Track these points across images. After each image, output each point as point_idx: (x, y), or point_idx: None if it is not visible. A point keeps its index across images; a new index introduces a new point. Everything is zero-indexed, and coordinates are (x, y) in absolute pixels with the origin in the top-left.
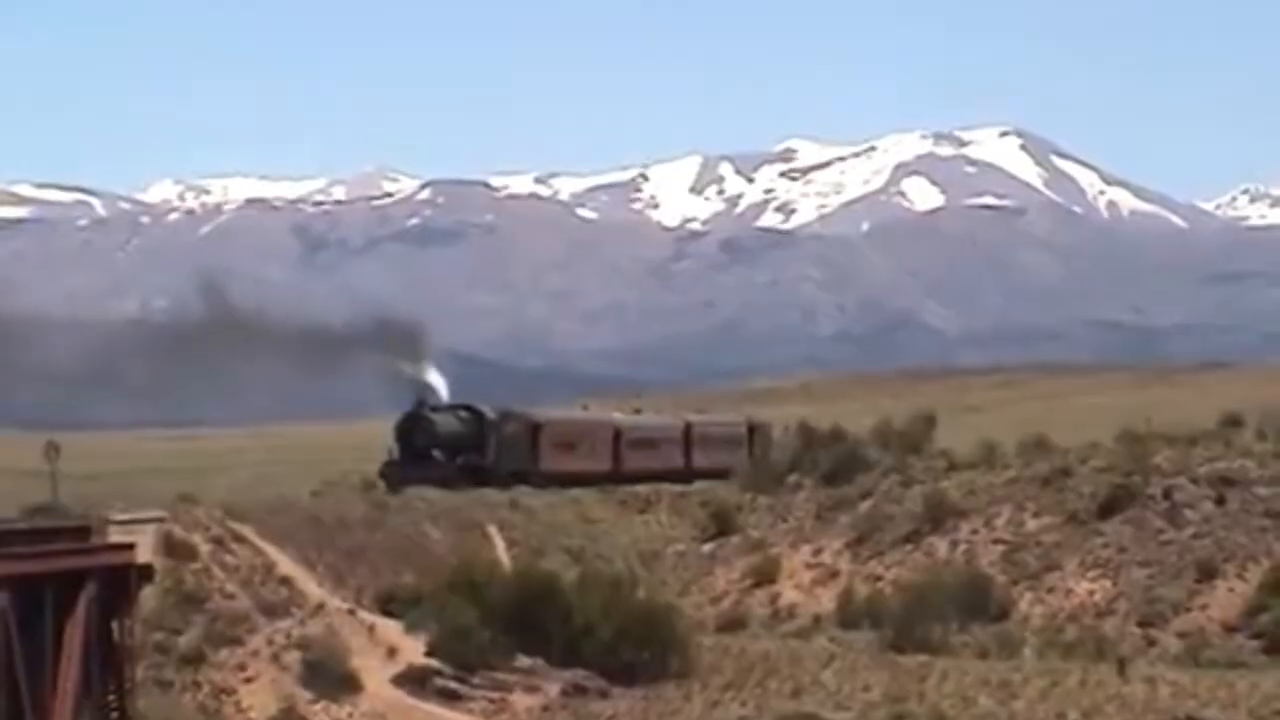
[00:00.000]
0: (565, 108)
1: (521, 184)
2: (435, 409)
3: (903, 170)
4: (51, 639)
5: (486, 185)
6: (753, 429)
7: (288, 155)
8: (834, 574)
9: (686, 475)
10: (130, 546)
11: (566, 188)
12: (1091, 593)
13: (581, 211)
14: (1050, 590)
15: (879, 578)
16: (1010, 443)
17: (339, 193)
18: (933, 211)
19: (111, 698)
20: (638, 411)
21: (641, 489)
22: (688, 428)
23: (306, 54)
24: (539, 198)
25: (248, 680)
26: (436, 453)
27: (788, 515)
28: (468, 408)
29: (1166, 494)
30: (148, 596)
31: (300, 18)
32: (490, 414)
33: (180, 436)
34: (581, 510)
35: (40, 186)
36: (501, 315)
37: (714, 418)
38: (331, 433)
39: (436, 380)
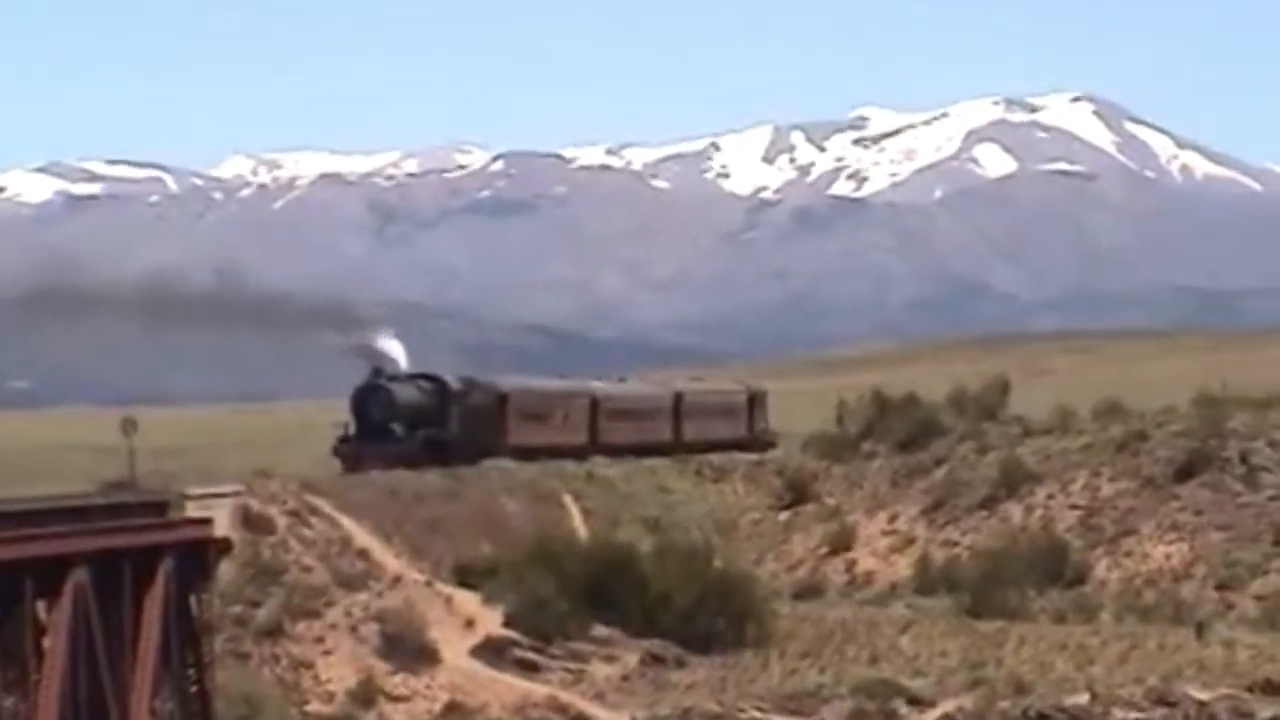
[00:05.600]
0: (636, 79)
1: (593, 155)
2: (394, 378)
3: (975, 137)
4: (130, 613)
5: (558, 157)
6: (753, 398)
7: (359, 129)
8: (910, 541)
9: (676, 448)
10: (207, 521)
11: (638, 158)
12: (1168, 556)
13: (654, 182)
14: (1127, 554)
15: (955, 544)
16: (1085, 408)
17: (411, 166)
18: (1005, 178)
19: (190, 671)
20: (623, 380)
21: (715, 458)
22: (678, 397)
23: (376, 28)
24: (611, 169)
25: (326, 653)
26: (396, 426)
27: (863, 483)
28: (429, 377)
29: (1243, 457)
30: (225, 570)
31: None
32: (453, 383)
33: (253, 410)
34: (657, 480)
35: (112, 163)
36: (574, 287)
37: (709, 386)
38: None
39: (394, 348)
